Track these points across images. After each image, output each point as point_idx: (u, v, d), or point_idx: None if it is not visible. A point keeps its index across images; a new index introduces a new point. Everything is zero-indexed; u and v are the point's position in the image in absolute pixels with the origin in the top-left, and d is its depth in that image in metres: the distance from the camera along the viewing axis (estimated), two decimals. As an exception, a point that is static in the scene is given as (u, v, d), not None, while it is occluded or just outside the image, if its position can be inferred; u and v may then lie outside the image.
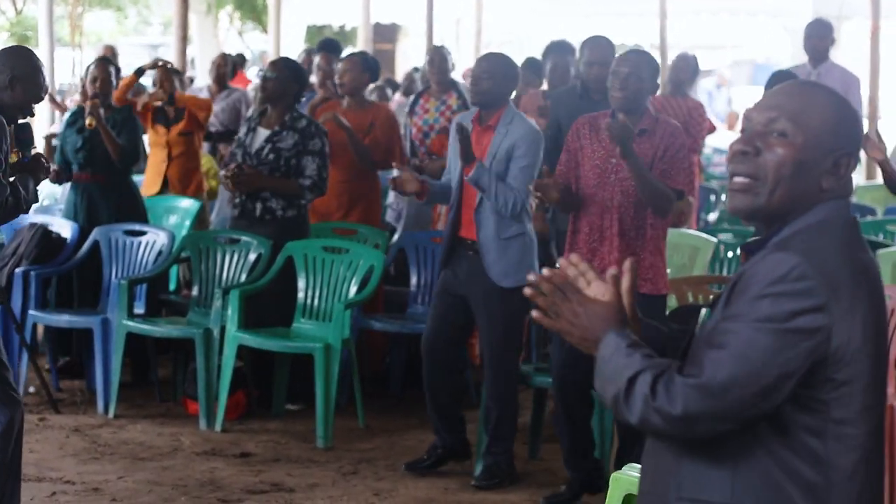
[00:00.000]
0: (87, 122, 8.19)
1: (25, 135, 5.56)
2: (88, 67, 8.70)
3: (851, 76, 9.55)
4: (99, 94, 8.37)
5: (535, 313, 2.77)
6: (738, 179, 2.75)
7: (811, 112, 2.73)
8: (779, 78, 8.19)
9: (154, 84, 9.83)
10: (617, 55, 6.46)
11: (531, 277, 2.76)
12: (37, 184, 5.42)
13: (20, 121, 5.50)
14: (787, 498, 2.66)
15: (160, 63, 9.42)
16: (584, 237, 6.18)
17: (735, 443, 2.67)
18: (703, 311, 2.80)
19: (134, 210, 8.52)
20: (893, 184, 7.78)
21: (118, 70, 9.10)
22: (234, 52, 16.20)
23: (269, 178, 7.68)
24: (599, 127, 6.13)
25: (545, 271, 2.78)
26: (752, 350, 2.59)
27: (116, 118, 8.36)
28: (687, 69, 9.94)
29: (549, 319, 2.76)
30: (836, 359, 2.63)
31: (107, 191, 8.43)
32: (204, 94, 11.11)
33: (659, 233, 6.15)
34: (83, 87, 8.53)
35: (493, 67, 6.55)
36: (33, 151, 5.55)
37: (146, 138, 9.40)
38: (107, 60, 8.85)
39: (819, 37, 9.35)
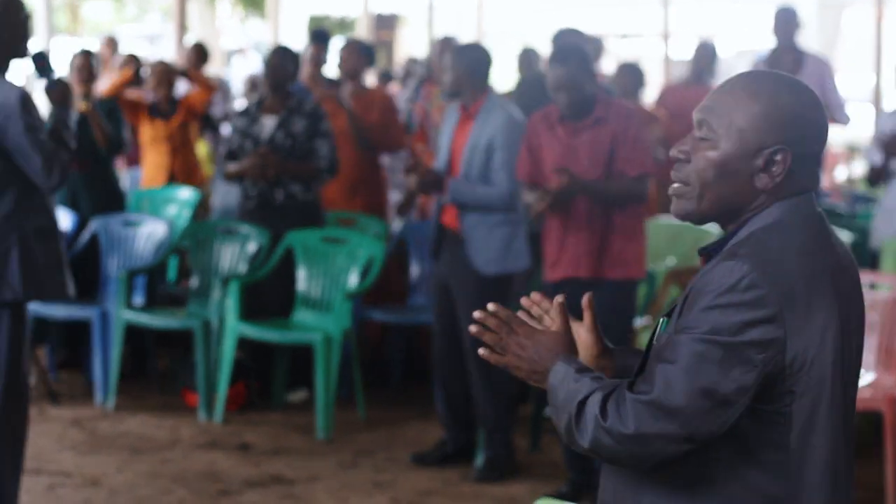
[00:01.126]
0: (81, 106, 8.19)
1: (41, 62, 5.46)
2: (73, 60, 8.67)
3: (823, 62, 9.54)
4: (88, 81, 8.36)
5: (481, 351, 2.72)
6: (673, 185, 2.69)
7: (737, 110, 2.61)
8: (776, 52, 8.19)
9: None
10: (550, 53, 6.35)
11: (477, 315, 2.72)
12: (63, 108, 5.35)
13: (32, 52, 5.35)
14: None
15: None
16: (554, 231, 6.19)
17: (694, 461, 2.57)
18: (661, 320, 2.71)
19: (115, 200, 8.52)
20: (879, 178, 7.83)
21: (107, 59, 9.08)
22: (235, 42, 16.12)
23: (292, 164, 7.67)
24: (553, 122, 6.16)
25: (490, 306, 2.73)
26: (703, 364, 2.49)
27: (103, 108, 8.35)
28: (707, 57, 9.90)
29: (496, 356, 2.71)
30: (792, 370, 2.53)
31: (89, 180, 8.42)
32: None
33: (629, 218, 6.14)
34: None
35: (453, 60, 6.53)
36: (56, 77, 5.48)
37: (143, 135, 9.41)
38: (88, 52, 8.86)
39: (785, 22, 9.33)
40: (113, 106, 8.54)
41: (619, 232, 6.10)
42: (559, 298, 2.74)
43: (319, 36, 10.25)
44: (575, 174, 6.01)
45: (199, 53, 11.59)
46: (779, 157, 2.60)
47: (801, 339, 2.52)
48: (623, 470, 2.67)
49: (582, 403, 2.57)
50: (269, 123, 7.75)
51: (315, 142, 7.70)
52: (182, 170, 9.48)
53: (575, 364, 2.64)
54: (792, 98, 2.62)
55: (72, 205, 8.39)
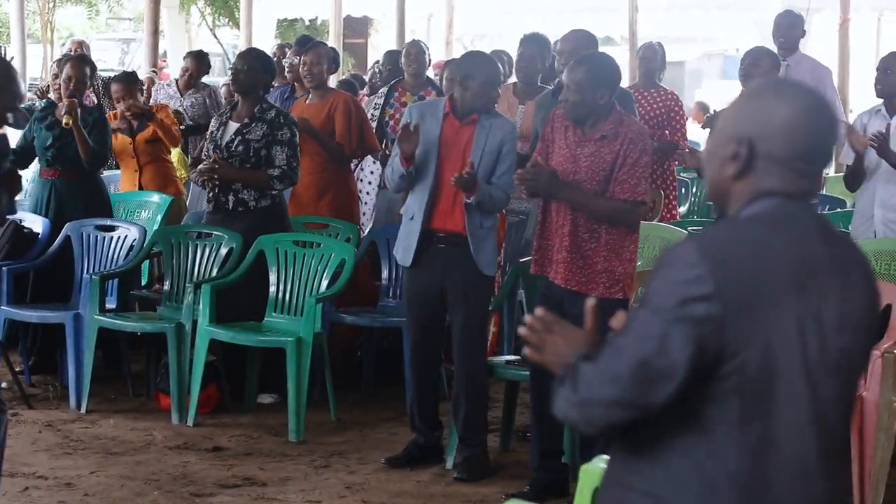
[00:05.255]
0: (64, 120, 8.15)
1: (1, 146, 5.44)
2: (60, 63, 8.62)
3: (822, 67, 9.52)
4: (75, 94, 8.32)
5: (526, 350, 2.86)
6: None
7: (731, 105, 2.79)
8: (752, 54, 8.24)
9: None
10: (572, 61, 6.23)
11: (527, 318, 2.85)
12: (11, 197, 5.29)
13: None
14: (715, 487, 2.65)
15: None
16: (549, 228, 6.18)
17: (658, 437, 2.67)
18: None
19: (102, 207, 8.52)
20: (856, 180, 7.84)
21: (94, 69, 9.04)
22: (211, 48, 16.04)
23: (237, 170, 7.70)
24: (569, 124, 6.10)
25: (537, 311, 2.86)
26: (646, 336, 2.62)
27: (88, 119, 8.33)
28: (655, 59, 9.79)
29: (537, 354, 2.84)
30: (735, 350, 2.60)
31: (76, 187, 8.42)
32: (172, 89, 11.11)
33: (616, 238, 6.05)
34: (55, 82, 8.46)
35: (477, 71, 6.54)
36: (7, 165, 5.42)
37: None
38: (83, 59, 8.80)
39: (788, 27, 9.33)
40: (99, 116, 8.46)
41: (604, 252, 6.04)
42: (591, 301, 2.87)
43: (305, 42, 10.30)
44: (558, 175, 5.99)
45: (200, 63, 11.27)
46: (743, 148, 2.72)
47: (743, 323, 2.60)
48: (614, 451, 2.80)
49: (558, 380, 2.73)
50: (231, 129, 7.80)
51: (272, 149, 7.72)
52: (152, 184, 9.40)
53: (581, 356, 2.75)
54: (776, 99, 2.73)
55: (57, 213, 8.38)
